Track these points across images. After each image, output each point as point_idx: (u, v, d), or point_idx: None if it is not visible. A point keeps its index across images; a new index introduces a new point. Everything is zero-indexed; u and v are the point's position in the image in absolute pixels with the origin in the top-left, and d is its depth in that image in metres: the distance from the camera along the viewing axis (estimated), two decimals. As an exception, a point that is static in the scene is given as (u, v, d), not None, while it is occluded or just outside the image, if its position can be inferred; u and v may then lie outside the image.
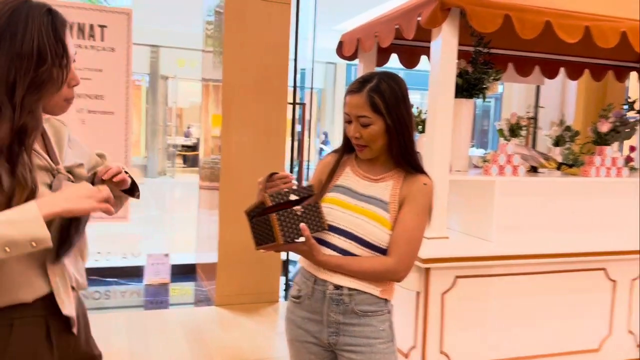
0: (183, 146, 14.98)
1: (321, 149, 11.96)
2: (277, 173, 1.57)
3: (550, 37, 2.56)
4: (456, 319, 2.51)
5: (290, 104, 4.37)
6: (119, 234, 6.20)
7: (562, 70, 3.88)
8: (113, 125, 4.27)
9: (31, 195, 1.09)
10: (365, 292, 1.57)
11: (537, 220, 2.83)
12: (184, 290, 4.71)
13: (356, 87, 1.57)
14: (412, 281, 2.47)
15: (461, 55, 3.10)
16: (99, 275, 4.83)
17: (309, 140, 5.13)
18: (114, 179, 1.28)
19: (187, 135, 15.57)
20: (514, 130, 3.21)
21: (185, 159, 15.05)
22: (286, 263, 4.53)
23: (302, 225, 1.46)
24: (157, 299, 4.44)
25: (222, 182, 4.15)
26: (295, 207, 1.45)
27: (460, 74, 2.94)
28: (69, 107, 1.26)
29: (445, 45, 2.43)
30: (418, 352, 2.50)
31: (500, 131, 3.25)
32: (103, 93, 4.23)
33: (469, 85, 2.95)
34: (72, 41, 1.25)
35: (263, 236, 1.48)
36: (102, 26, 4.16)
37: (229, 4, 4.06)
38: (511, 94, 6.38)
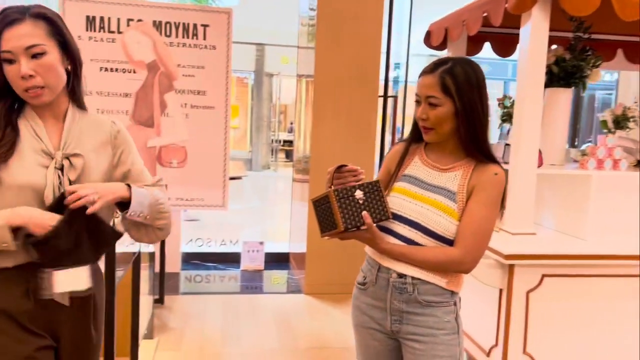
0: (285, 141, 15.44)
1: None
2: (346, 165, 1.59)
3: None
4: (542, 319, 2.38)
5: (381, 96, 4.37)
6: (221, 223, 6.57)
7: (682, 55, 3.50)
8: (214, 120, 4.53)
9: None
10: (430, 283, 1.55)
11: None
12: (277, 277, 4.89)
13: (429, 69, 1.55)
14: (494, 277, 2.37)
15: (558, 41, 2.93)
16: (200, 260, 5.17)
17: (402, 133, 5.07)
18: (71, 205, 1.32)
19: (290, 130, 16.01)
20: (619, 122, 2.97)
21: (287, 154, 15.50)
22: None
23: (364, 213, 1.48)
24: (251, 284, 4.65)
25: (312, 174, 4.25)
26: (357, 195, 1.48)
27: (557, 62, 2.77)
28: (40, 94, 1.35)
29: (534, 32, 2.30)
30: (499, 351, 2.40)
31: (604, 123, 3.02)
32: (205, 89, 4.50)
33: (566, 74, 2.77)
34: (19, 34, 1.31)
35: (327, 223, 1.51)
36: (204, 25, 4.42)
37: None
38: (628, 83, 5.85)
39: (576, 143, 9.15)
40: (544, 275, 2.36)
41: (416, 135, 1.67)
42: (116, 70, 4.32)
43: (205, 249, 5.29)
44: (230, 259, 5.15)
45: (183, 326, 3.56)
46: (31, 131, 1.38)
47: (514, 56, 3.33)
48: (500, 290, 2.41)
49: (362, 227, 1.50)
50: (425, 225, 1.53)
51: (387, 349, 1.65)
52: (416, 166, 1.65)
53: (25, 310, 1.38)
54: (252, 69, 13.28)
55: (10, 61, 1.32)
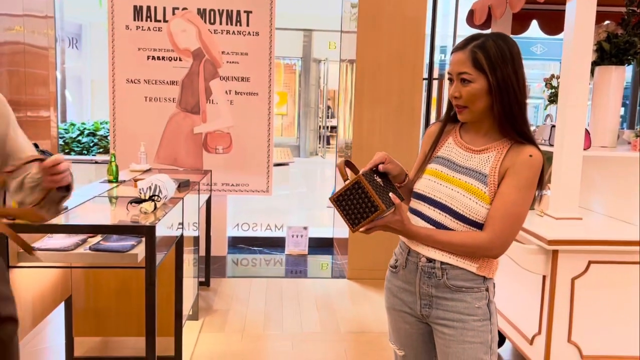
0: (332, 127, 15.39)
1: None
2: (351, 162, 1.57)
3: None
4: (588, 307, 2.29)
5: (425, 79, 4.28)
6: (266, 208, 6.66)
7: None
8: (258, 106, 4.58)
9: None
10: (460, 268, 1.51)
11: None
12: (321, 262, 4.92)
13: (461, 45, 1.51)
14: (537, 264, 2.30)
15: (610, 16, 2.78)
16: (246, 244, 5.27)
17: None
18: (53, 170, 1.29)
19: (330, 116, 15.63)
20: (678, 101, 2.79)
21: (328, 140, 15.32)
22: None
23: (392, 194, 1.46)
24: (295, 268, 4.70)
25: (354, 161, 4.22)
26: (377, 179, 1.46)
27: (608, 38, 2.63)
28: None
29: (581, 6, 2.19)
30: (542, 340, 2.33)
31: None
32: (249, 75, 4.55)
33: (618, 51, 2.63)
34: None
35: (360, 212, 1.45)
36: (247, 12, 4.45)
37: (364, -18, 4.08)
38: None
39: (638, 126, 8.67)
40: (590, 262, 2.27)
41: (451, 116, 1.63)
42: (163, 58, 4.43)
43: (250, 233, 5.38)
44: (275, 244, 5.23)
45: (227, 308, 3.65)
46: None
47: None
48: (544, 277, 2.33)
49: (393, 206, 1.47)
50: (454, 208, 1.49)
51: (419, 332, 1.63)
52: (449, 147, 1.61)
53: None
54: (299, 55, 13.30)
55: None
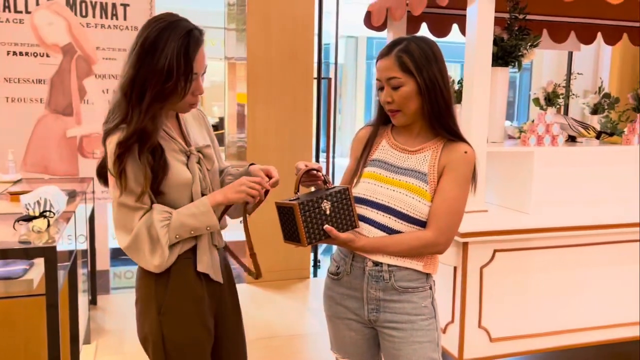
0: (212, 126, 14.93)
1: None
2: (315, 170, 1.51)
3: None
4: (495, 293, 2.45)
5: (316, 79, 4.30)
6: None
7: (599, 35, 3.71)
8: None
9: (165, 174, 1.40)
10: (407, 268, 1.52)
11: (577, 191, 2.73)
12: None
13: (385, 51, 1.53)
14: (449, 256, 2.41)
15: (495, 22, 3.00)
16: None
17: (334, 116, 5.01)
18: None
19: None
20: (550, 99, 3.10)
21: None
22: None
23: (327, 227, 1.41)
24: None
25: (249, 159, 4.12)
26: (323, 207, 1.41)
27: (495, 42, 2.83)
28: (192, 109, 1.49)
29: (482, 12, 2.33)
30: (456, 328, 2.45)
31: (536, 100, 3.14)
32: (128, 73, 4.21)
33: (504, 53, 2.84)
34: (205, 55, 1.40)
35: (290, 233, 1.44)
36: (124, 5, 4.12)
37: (251, -22, 3.98)
38: (541, 63, 6.18)
39: (514, 122, 9.61)
40: (495, 251, 2.43)
41: (381, 119, 1.63)
42: (26, 54, 3.94)
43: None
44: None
45: (122, 328, 3.34)
46: (164, 134, 1.43)
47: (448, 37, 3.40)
48: (455, 268, 2.45)
49: (327, 239, 1.44)
50: (398, 209, 1.50)
51: (364, 338, 1.61)
52: (384, 150, 1.61)
53: (201, 295, 1.48)
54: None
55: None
